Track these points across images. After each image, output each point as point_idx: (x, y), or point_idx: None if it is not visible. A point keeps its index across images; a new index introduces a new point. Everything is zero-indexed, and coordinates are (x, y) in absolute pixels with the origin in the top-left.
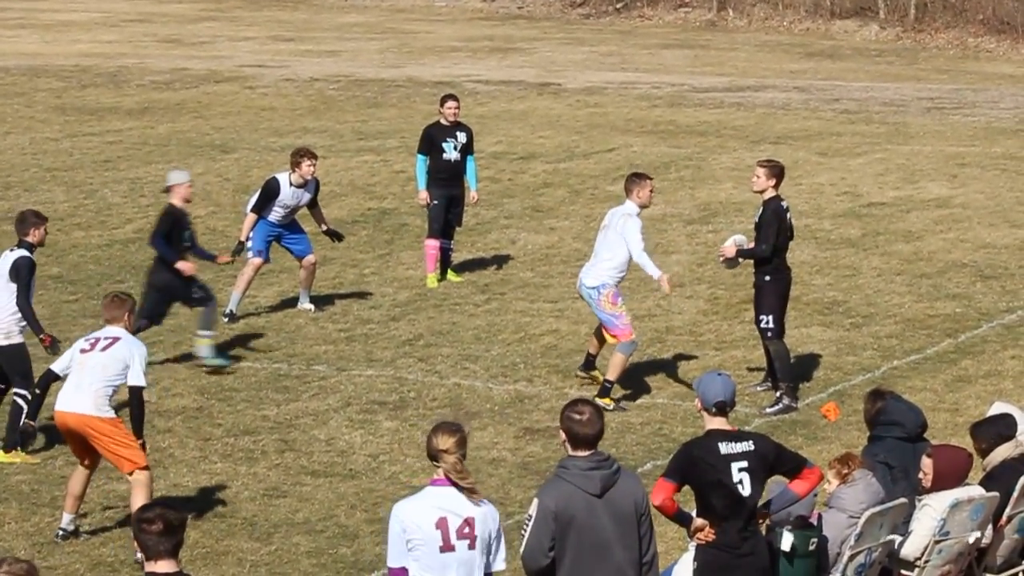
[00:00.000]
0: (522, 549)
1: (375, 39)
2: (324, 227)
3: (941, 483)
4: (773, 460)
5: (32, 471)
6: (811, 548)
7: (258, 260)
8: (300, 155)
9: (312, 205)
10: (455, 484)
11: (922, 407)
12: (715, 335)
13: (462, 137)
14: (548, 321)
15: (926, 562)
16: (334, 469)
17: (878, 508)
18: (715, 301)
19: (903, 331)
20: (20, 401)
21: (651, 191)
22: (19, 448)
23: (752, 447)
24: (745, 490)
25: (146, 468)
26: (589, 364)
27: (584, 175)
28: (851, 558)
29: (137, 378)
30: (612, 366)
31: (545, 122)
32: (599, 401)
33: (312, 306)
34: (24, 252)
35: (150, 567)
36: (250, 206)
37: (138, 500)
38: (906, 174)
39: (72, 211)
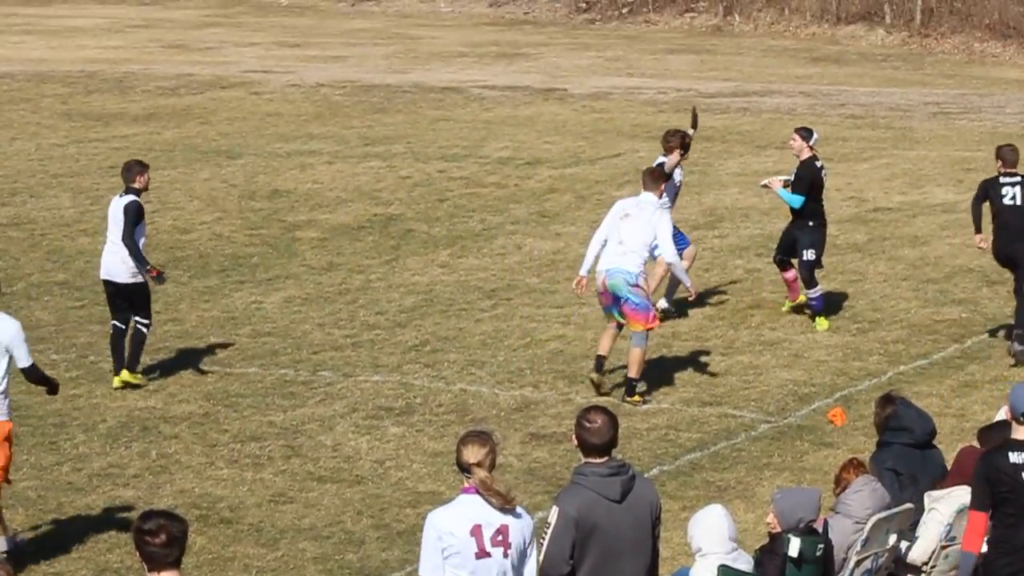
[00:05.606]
0: (542, 558)
1: (381, 44)
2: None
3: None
4: None
5: (39, 478)
6: (818, 554)
7: None
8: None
9: None
10: (485, 498)
11: (929, 413)
12: (721, 340)
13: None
14: (554, 327)
15: (933, 567)
16: (340, 475)
17: (884, 513)
18: (721, 306)
19: (909, 336)
20: (143, 329)
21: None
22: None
23: None
24: None
25: None
26: (601, 365)
27: (590, 180)
28: (857, 563)
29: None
30: (632, 363)
31: (551, 127)
32: (628, 400)
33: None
34: (132, 197)
35: None
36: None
37: None
38: (912, 179)
39: (78, 217)
